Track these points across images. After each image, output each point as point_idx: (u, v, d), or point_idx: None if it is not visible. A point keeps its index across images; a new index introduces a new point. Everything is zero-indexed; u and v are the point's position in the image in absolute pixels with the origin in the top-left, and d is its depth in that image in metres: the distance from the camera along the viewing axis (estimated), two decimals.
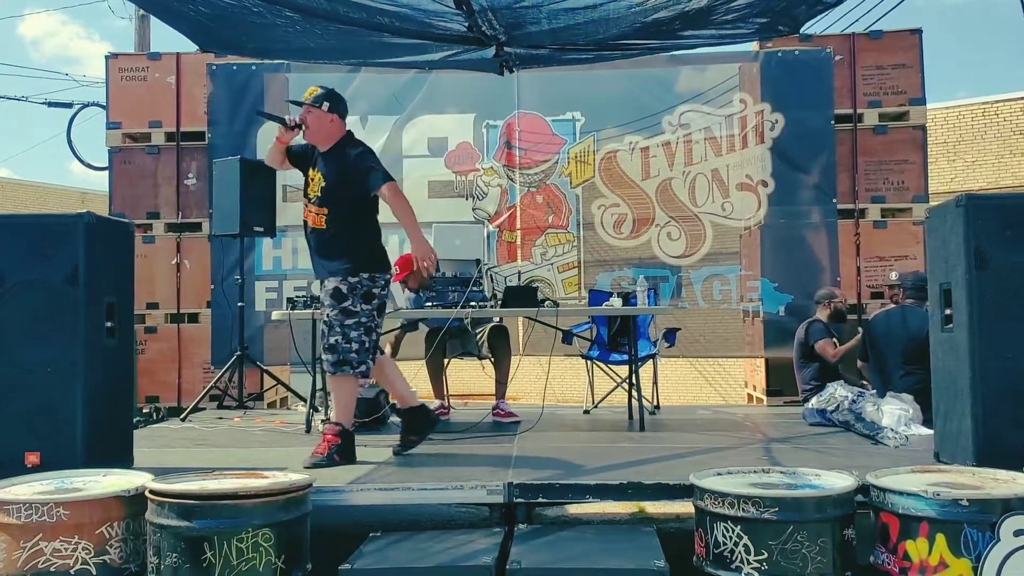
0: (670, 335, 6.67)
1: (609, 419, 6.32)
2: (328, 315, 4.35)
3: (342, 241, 4.36)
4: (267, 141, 7.31)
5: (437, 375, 6.25)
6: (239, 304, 6.82)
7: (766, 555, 3.14)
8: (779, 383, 7.49)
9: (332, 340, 4.33)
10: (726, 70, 7.53)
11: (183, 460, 4.51)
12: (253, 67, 7.44)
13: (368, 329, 4.36)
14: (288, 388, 7.03)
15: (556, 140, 7.45)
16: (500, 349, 6.16)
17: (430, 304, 5.83)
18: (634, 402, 6.07)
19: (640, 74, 7.41)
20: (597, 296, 6.79)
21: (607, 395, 6.81)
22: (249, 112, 7.30)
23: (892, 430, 5.04)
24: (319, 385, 5.84)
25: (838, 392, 6.35)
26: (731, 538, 3.20)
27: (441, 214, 7.32)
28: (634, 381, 5.81)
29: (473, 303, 5.65)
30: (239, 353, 6.75)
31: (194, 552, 3.11)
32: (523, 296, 5.75)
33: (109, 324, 4.07)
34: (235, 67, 7.44)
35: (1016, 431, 3.77)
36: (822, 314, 6.86)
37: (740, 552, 3.18)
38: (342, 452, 4.35)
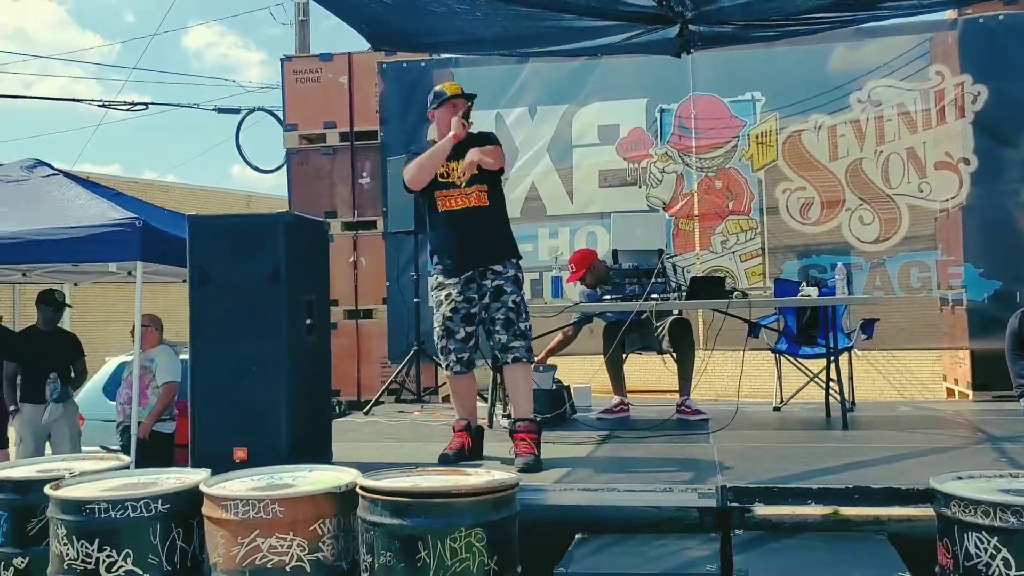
0: (868, 327, 6.23)
1: (804, 417, 5.96)
2: (513, 301, 4.19)
3: (503, 219, 4.32)
4: None
5: (617, 370, 6.05)
6: (415, 300, 6.85)
7: None
8: (986, 377, 6.89)
9: (523, 326, 4.20)
10: (916, 41, 6.99)
11: (377, 455, 4.50)
12: (422, 64, 7.47)
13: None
14: None
15: (735, 122, 7.12)
16: (683, 343, 5.91)
17: (608, 297, 5.66)
18: (833, 399, 5.71)
19: (822, 49, 6.99)
20: (783, 286, 6.43)
21: (798, 391, 6.43)
22: (420, 109, 7.31)
23: None
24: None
25: None
26: (986, 550, 2.86)
27: (613, 203, 7.16)
28: (833, 376, 5.45)
29: (655, 295, 5.44)
30: (416, 348, 6.78)
31: (408, 551, 3.03)
32: (710, 287, 5.49)
33: (308, 321, 4.09)
34: (405, 64, 7.49)
35: None
36: None
37: (998, 567, 2.84)
38: (540, 447, 4.18)
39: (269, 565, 3.16)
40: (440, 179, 4.29)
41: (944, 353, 7.82)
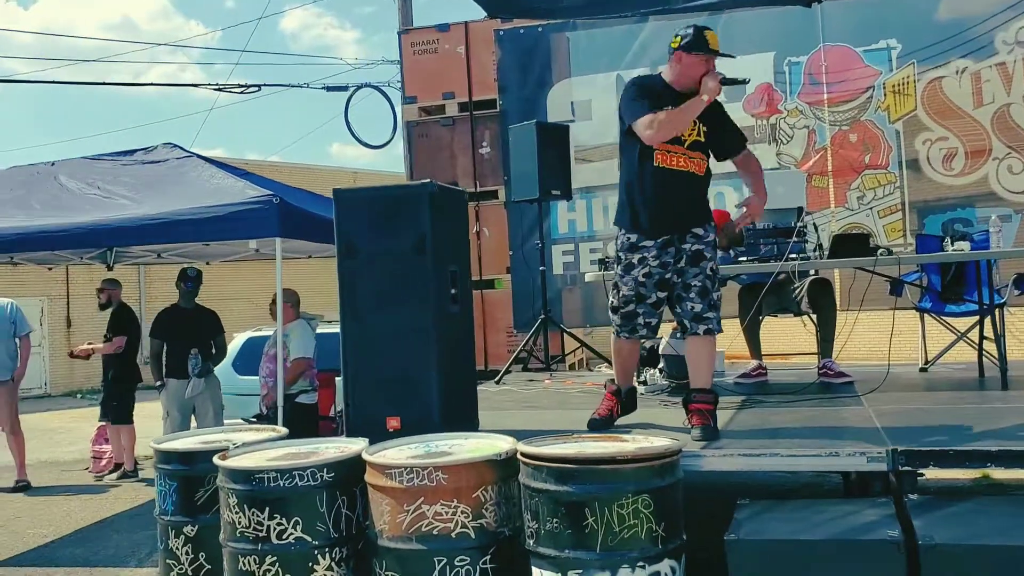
0: (1021, 282, 5.89)
1: (957, 377, 5.69)
2: (711, 268, 3.96)
3: (708, 188, 4.08)
4: (559, 104, 7.29)
5: (754, 334, 5.88)
6: (540, 268, 6.82)
7: None
8: None
9: (716, 296, 3.97)
10: None
11: (521, 423, 4.48)
12: (539, 29, 7.38)
13: None
14: (593, 351, 6.95)
15: (869, 72, 6.79)
16: (824, 304, 5.70)
17: (745, 259, 5.50)
18: (986, 358, 5.44)
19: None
20: (926, 241, 6.12)
21: (945, 350, 6.14)
22: (538, 75, 7.28)
23: None
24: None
25: None
26: None
27: None
28: (988, 334, 5.17)
29: (793, 255, 5.25)
30: (543, 317, 6.76)
31: (575, 517, 3.01)
32: (854, 245, 5.27)
33: (453, 291, 4.10)
34: (522, 30, 7.42)
35: None
36: None
37: None
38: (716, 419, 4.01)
39: (435, 532, 3.18)
40: None
41: None
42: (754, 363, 5.91)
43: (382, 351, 3.97)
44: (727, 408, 4.72)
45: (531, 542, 3.15)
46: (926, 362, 6.22)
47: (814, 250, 5.38)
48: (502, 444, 3.47)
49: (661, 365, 5.70)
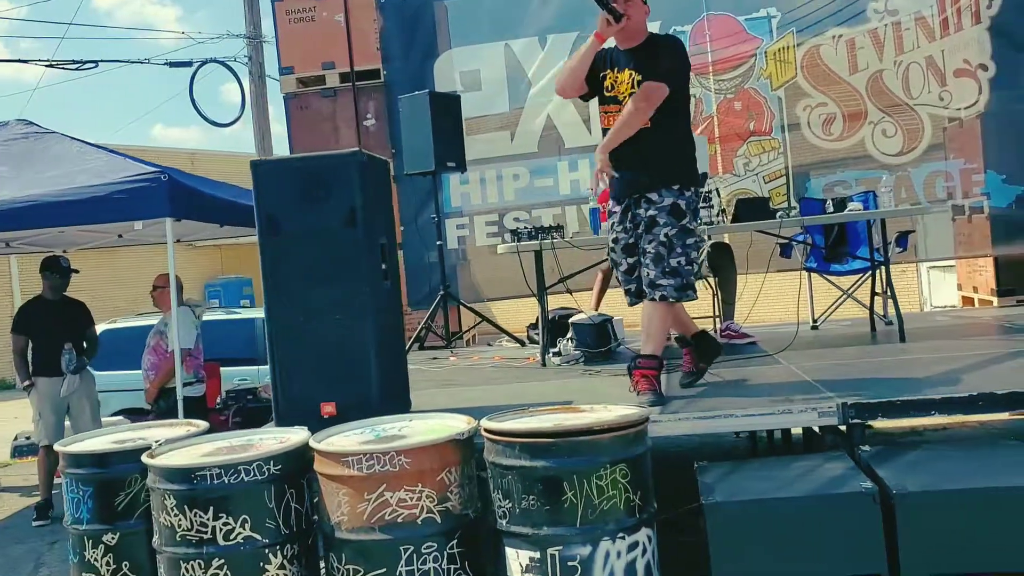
0: (902, 239, 6.19)
1: (852, 333, 5.94)
2: (666, 235, 3.81)
3: (670, 143, 3.87)
4: (446, 74, 7.10)
5: None
6: (438, 243, 6.66)
7: None
8: (1011, 282, 6.96)
9: (675, 263, 3.82)
10: None
11: (453, 401, 4.34)
12: None
13: (700, 248, 4.10)
14: (496, 325, 6.84)
15: (751, 40, 6.96)
16: (725, 267, 5.82)
17: None
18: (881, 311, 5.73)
19: None
20: (810, 204, 6.34)
21: (835, 306, 6.39)
22: (424, 45, 7.07)
23: None
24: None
25: None
26: None
27: None
28: (881, 290, 5.42)
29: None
30: (443, 292, 6.60)
31: (553, 492, 2.91)
32: (755, 208, 5.39)
33: (384, 266, 3.88)
34: None
35: None
36: None
37: None
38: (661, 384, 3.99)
39: (400, 520, 3.00)
40: (606, 92, 3.93)
41: (959, 263, 7.86)
42: None
43: (313, 333, 3.72)
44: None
45: (503, 522, 3.03)
46: (815, 320, 6.47)
47: (717, 215, 5.45)
48: (457, 423, 3.31)
49: (570, 335, 5.66)
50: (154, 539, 3.21)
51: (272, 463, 3.13)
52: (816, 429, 3.82)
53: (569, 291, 5.67)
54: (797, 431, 4.83)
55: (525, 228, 5.41)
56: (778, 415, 3.48)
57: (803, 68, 6.92)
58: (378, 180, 3.97)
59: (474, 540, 3.14)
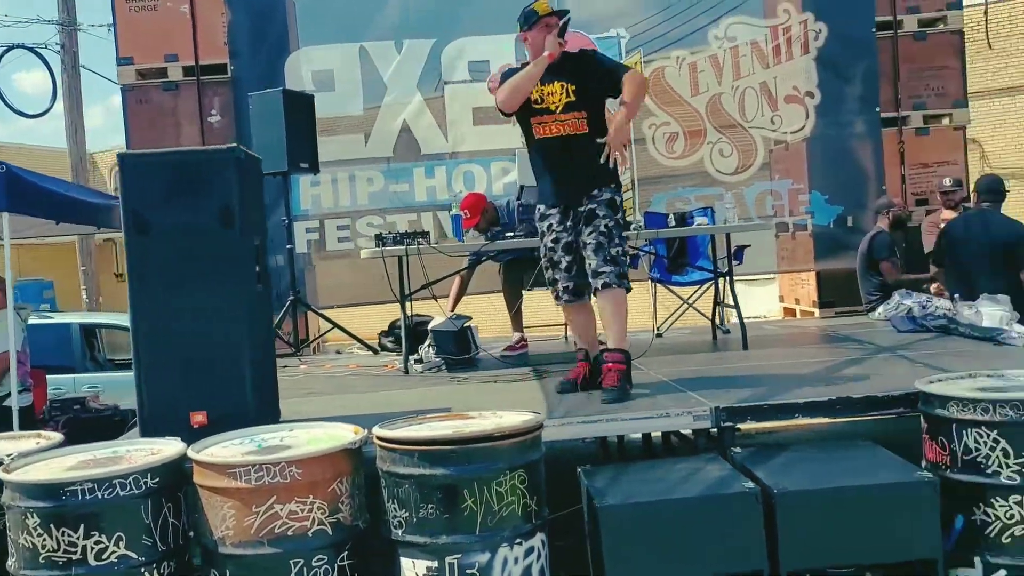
0: (739, 253, 6.55)
1: (696, 340, 6.23)
2: (606, 225, 4.02)
3: (601, 147, 4.02)
4: (300, 70, 6.91)
5: (516, 308, 6.03)
6: (288, 246, 6.46)
7: None
8: (831, 295, 7.51)
9: (614, 251, 4.01)
10: None
11: (323, 410, 4.22)
12: None
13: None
14: (348, 332, 6.68)
15: None
16: None
17: (511, 235, 5.60)
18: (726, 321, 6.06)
19: None
20: (653, 218, 6.61)
21: (678, 316, 6.69)
22: (275, 40, 6.86)
23: (1015, 331, 5.06)
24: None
25: (907, 300, 6.43)
26: (986, 443, 3.13)
27: (489, 142, 7.06)
28: (724, 300, 5.73)
29: None
30: (292, 298, 6.41)
31: (452, 500, 2.89)
32: None
33: (257, 268, 3.73)
34: None
35: None
36: (883, 223, 6.87)
37: (997, 456, 3.12)
38: (630, 379, 4.07)
39: (290, 532, 2.90)
40: (534, 105, 4.08)
41: (781, 276, 8.41)
42: (517, 336, 6.05)
43: (183, 339, 3.51)
44: (522, 380, 4.78)
45: (399, 532, 2.98)
46: (656, 328, 6.74)
47: None
48: (343, 432, 3.23)
49: (430, 341, 5.63)
50: (9, 563, 2.93)
51: (150, 476, 2.93)
52: (688, 433, 3.97)
53: (435, 297, 5.65)
54: (657, 435, 5.06)
55: (390, 234, 5.34)
56: (657, 419, 3.62)
57: (650, 87, 7.20)
58: (253, 178, 3.81)
59: (364, 551, 3.06)
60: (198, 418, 3.52)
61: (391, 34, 6.94)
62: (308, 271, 7.06)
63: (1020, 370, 3.52)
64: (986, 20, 11.69)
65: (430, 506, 2.90)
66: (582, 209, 4.08)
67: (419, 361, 5.49)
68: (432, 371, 5.38)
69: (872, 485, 3.08)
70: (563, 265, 4.17)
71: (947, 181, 7.00)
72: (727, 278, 6.36)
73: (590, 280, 4.07)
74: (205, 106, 6.97)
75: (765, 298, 10.83)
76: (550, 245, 4.18)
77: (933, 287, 6.62)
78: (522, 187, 5.51)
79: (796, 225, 7.53)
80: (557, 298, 4.27)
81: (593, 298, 4.19)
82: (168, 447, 3.19)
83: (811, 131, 7.34)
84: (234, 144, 3.56)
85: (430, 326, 5.70)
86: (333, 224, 7.02)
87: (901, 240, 6.88)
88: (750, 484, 3.07)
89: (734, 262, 6.52)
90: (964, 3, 7.53)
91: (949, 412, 3.23)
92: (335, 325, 6.69)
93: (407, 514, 2.94)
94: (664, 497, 3.05)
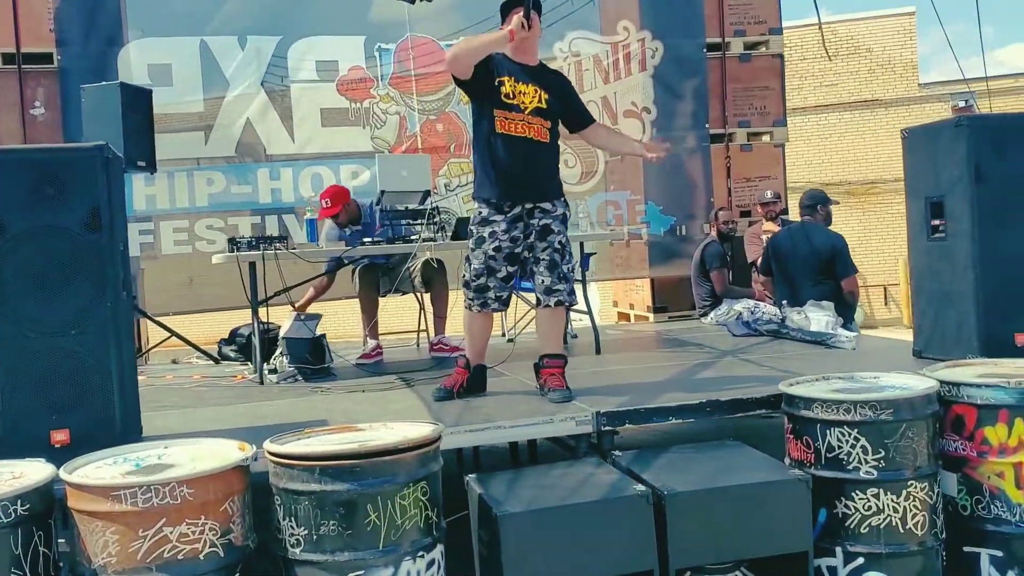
0: (585, 260, 6.77)
1: None
2: (559, 242, 4.08)
3: (556, 161, 4.17)
4: (135, 63, 6.52)
5: (373, 315, 5.93)
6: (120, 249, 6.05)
7: (883, 453, 3.37)
8: (665, 300, 7.89)
9: (566, 268, 4.10)
10: None
11: (187, 424, 4.02)
12: None
13: None
14: (186, 341, 6.35)
15: None
16: (438, 282, 5.98)
17: (369, 240, 5.53)
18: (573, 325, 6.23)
19: None
20: None
21: (527, 322, 6.80)
22: (107, 30, 6.44)
23: (842, 335, 5.50)
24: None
25: (736, 306, 6.88)
26: (847, 441, 3.40)
27: (336, 143, 6.94)
28: (582, 308, 5.90)
29: (413, 238, 5.44)
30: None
31: (355, 516, 2.82)
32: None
33: (122, 274, 3.49)
34: None
35: (1006, 325, 4.28)
36: (713, 232, 7.30)
37: (858, 453, 3.39)
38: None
39: (180, 556, 2.73)
40: (504, 98, 3.95)
41: (617, 282, 8.74)
42: (373, 343, 5.95)
43: (42, 351, 3.24)
44: (382, 389, 4.71)
45: (296, 550, 2.87)
46: (504, 333, 6.84)
47: (437, 231, 5.58)
48: (226, 449, 3.08)
49: (282, 350, 5.45)
50: None
51: (20, 503, 2.69)
52: (566, 438, 4.04)
53: (292, 303, 5.47)
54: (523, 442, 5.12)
55: (244, 238, 5.13)
56: (542, 424, 3.68)
57: None
58: (117, 178, 3.55)
59: (255, 573, 2.94)
60: (59, 437, 3.27)
61: (234, 30, 6.66)
62: (143, 276, 6.65)
63: (869, 372, 3.84)
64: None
65: (331, 522, 2.82)
66: (534, 222, 4.07)
67: (273, 371, 5.30)
68: (288, 381, 5.22)
69: (753, 484, 3.27)
70: (501, 275, 4.12)
71: (768, 194, 7.53)
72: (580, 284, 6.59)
73: (540, 296, 4.12)
74: (27, 97, 6.43)
75: (595, 303, 11.23)
76: (491, 253, 4.07)
77: (756, 293, 7.10)
78: (383, 192, 5.44)
79: (631, 233, 7.85)
80: (483, 305, 4.16)
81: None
82: (32, 470, 2.93)
83: None
84: (102, 142, 3.32)
85: (282, 333, 5.52)
86: (169, 226, 6.65)
87: (728, 249, 7.30)
88: (641, 487, 3.18)
89: (582, 269, 6.77)
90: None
91: (814, 413, 3.48)
92: (173, 333, 6.34)
93: (305, 531, 2.85)
94: (564, 503, 3.11)
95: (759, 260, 7.04)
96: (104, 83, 5.83)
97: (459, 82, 4.07)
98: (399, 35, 7.08)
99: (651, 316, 7.97)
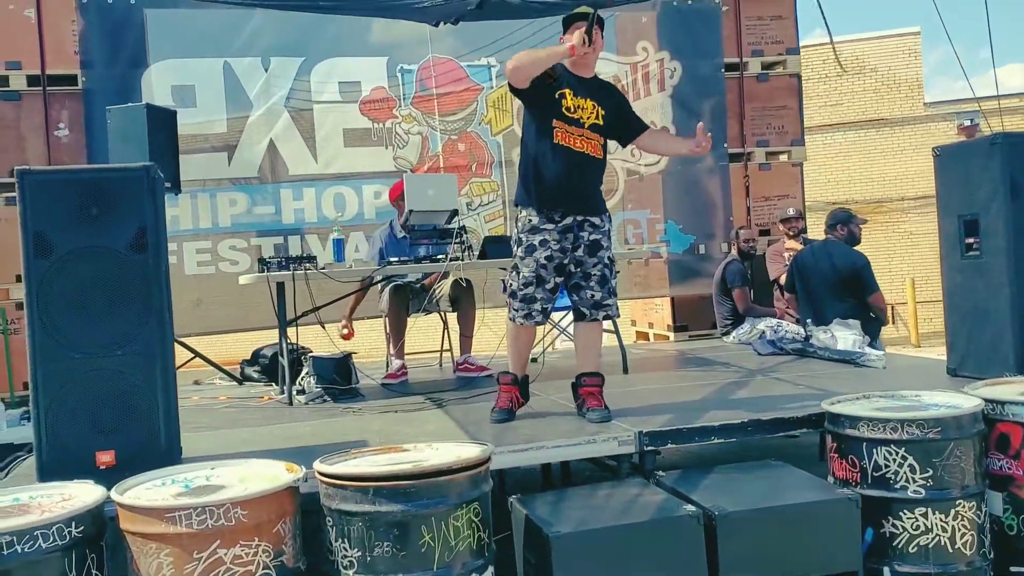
0: None
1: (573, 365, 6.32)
2: (609, 258, 4.14)
3: (603, 176, 4.21)
4: (159, 84, 6.54)
5: (401, 334, 5.92)
6: None
7: (931, 472, 3.36)
8: (685, 319, 7.87)
9: (614, 283, 4.17)
10: (632, 18, 7.64)
11: (225, 446, 4.00)
12: (132, 1, 6.51)
13: None
14: (210, 362, 6.34)
15: (474, 86, 7.23)
16: (465, 301, 5.96)
17: (396, 259, 5.52)
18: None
19: (548, 20, 7.32)
20: None
21: (551, 341, 6.80)
22: (131, 52, 6.47)
23: (871, 353, 5.48)
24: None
25: (759, 325, 6.86)
26: (895, 460, 3.39)
27: (359, 164, 6.94)
28: (610, 327, 5.88)
29: (441, 256, 5.43)
30: None
31: (410, 537, 2.81)
32: (502, 246, 5.60)
33: (166, 296, 3.48)
34: (111, 1, 6.47)
35: None
36: (734, 251, 7.30)
37: (905, 472, 3.37)
38: None
39: None
40: (565, 111, 3.98)
41: (635, 301, 8.72)
42: (398, 363, 5.93)
43: (88, 371, 3.24)
44: (416, 410, 4.68)
45: (349, 572, 2.86)
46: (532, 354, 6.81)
47: (464, 251, 5.57)
48: (274, 470, 3.07)
49: (308, 370, 5.43)
50: None
51: (74, 525, 2.68)
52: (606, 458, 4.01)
53: (321, 324, 5.47)
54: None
55: (275, 257, 5.13)
56: (584, 445, 3.66)
57: (519, 118, 7.32)
58: (160, 200, 3.55)
59: None
60: (105, 458, 3.26)
61: (257, 51, 6.69)
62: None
63: (910, 391, 3.83)
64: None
65: (385, 544, 2.81)
66: (584, 235, 4.08)
67: (300, 392, 5.28)
68: (316, 402, 5.20)
69: (803, 503, 3.25)
70: (550, 286, 4.11)
71: (791, 211, 7.53)
72: None
73: (588, 310, 4.13)
74: (52, 119, 6.45)
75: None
76: (543, 262, 4.04)
77: (778, 312, 7.09)
78: (411, 211, 5.44)
79: (651, 252, 7.85)
80: (527, 317, 4.11)
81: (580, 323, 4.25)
82: (82, 491, 2.92)
83: (666, 164, 7.68)
84: (149, 163, 3.32)
85: (310, 354, 5.52)
86: (192, 247, 6.64)
87: (748, 268, 7.29)
88: (691, 507, 3.16)
89: None
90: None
91: (860, 431, 3.47)
92: (196, 354, 6.33)
93: (359, 553, 2.83)
94: (615, 523, 3.09)
95: (782, 278, 7.03)
96: (130, 104, 5.86)
97: (516, 91, 4.06)
98: (421, 55, 7.11)
99: (671, 335, 7.94)
